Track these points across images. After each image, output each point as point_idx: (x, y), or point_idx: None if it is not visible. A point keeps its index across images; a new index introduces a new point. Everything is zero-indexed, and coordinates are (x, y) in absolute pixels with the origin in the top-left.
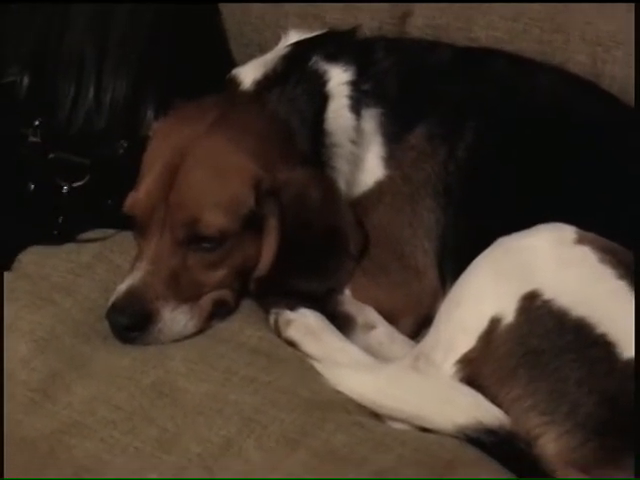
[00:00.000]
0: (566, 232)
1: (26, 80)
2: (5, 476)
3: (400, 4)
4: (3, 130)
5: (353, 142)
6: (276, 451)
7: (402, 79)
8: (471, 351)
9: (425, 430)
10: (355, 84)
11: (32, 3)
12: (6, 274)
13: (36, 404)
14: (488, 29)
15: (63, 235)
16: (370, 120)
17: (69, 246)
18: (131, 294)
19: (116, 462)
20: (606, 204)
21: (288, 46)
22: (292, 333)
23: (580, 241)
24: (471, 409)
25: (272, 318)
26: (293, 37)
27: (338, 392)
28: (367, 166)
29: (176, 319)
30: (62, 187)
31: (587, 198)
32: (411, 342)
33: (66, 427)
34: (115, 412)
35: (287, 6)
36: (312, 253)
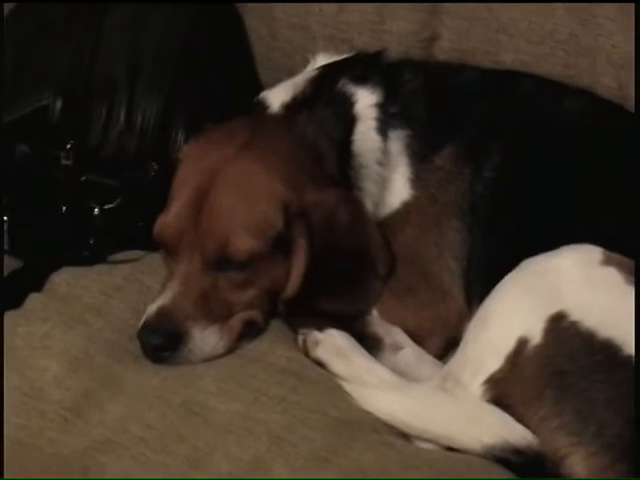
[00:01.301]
0: (593, 253)
1: (59, 104)
2: None
3: (427, 26)
4: (36, 153)
5: (380, 163)
6: (305, 469)
7: (429, 101)
8: (498, 372)
9: (453, 450)
10: (382, 106)
11: (63, 29)
12: (38, 295)
13: (69, 422)
14: (514, 52)
15: (94, 256)
16: (397, 142)
17: (100, 267)
18: (162, 314)
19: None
20: (634, 227)
21: (316, 69)
22: (320, 353)
23: (607, 262)
24: (499, 429)
25: (300, 338)
26: (321, 60)
27: (367, 412)
28: (394, 187)
29: (206, 339)
30: (93, 209)
31: (614, 220)
32: (439, 363)
33: (98, 445)
34: (147, 430)
35: (315, 30)
36: (340, 274)
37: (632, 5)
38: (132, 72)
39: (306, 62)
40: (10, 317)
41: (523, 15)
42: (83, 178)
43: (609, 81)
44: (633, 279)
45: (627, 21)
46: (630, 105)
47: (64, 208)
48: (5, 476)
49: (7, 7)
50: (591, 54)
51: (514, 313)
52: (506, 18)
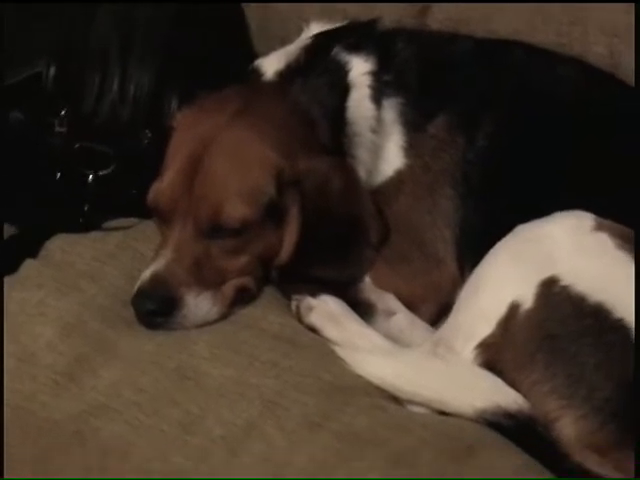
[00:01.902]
0: (584, 220)
1: (52, 71)
2: (29, 455)
3: None
4: (30, 120)
5: (374, 131)
6: (298, 433)
7: (422, 70)
8: (490, 336)
9: (445, 414)
10: (376, 74)
11: None
12: (32, 261)
13: (61, 387)
14: (507, 21)
15: (88, 223)
16: (390, 110)
17: (94, 234)
18: (156, 280)
19: (141, 443)
20: (625, 193)
21: (310, 37)
22: (313, 319)
23: (598, 228)
24: (490, 393)
25: (294, 305)
26: (314, 29)
27: (359, 376)
28: (387, 155)
29: (199, 305)
30: (87, 176)
31: (606, 187)
32: (431, 329)
33: (92, 409)
34: (140, 395)
35: None
36: (333, 241)
37: None
38: (125, 41)
39: (300, 31)
40: (5, 283)
41: None
42: (77, 145)
43: (601, 49)
44: (624, 245)
45: (629, 3)
46: (621, 73)
47: (58, 175)
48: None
49: None
50: (583, 23)
51: (506, 279)
52: None
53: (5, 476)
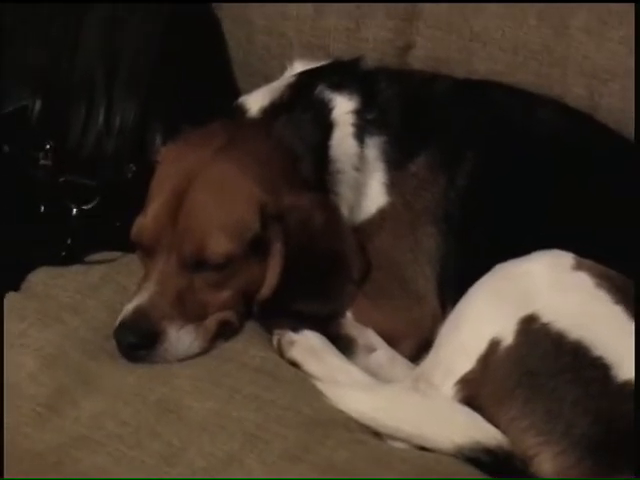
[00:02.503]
0: (564, 258)
1: (38, 104)
2: None
3: (402, 35)
4: (15, 153)
5: (356, 169)
6: (278, 466)
7: (404, 109)
8: (470, 372)
9: (424, 449)
10: (359, 113)
11: (42, 29)
12: (15, 294)
13: (43, 418)
14: (488, 61)
15: (71, 256)
16: (373, 148)
17: (77, 267)
18: (138, 313)
19: (122, 475)
20: (603, 232)
21: (294, 75)
22: (295, 354)
23: (577, 267)
24: (469, 429)
25: (275, 339)
26: (298, 67)
27: (340, 411)
28: (370, 192)
29: (182, 339)
30: (71, 209)
31: (584, 226)
32: (411, 365)
33: (73, 441)
34: (122, 427)
35: (292, 36)
36: (315, 277)
37: (604, 15)
38: (110, 74)
39: (283, 68)
40: None
41: (497, 25)
42: (62, 179)
43: (580, 91)
44: (603, 284)
45: (598, 32)
46: (600, 115)
47: (42, 208)
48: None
49: None
50: (563, 64)
51: (486, 315)
52: (480, 27)
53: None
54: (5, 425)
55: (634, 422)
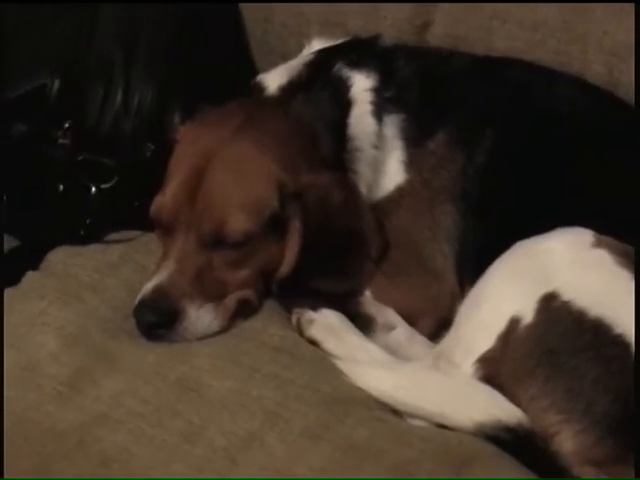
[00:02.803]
0: (584, 235)
1: (57, 84)
2: (33, 464)
3: (421, 12)
4: (34, 132)
5: (375, 147)
6: (298, 444)
7: (423, 86)
8: (490, 351)
9: (444, 427)
10: (377, 91)
11: (63, 8)
12: (34, 273)
13: (65, 397)
14: (507, 39)
15: (90, 235)
16: (391, 126)
17: (96, 246)
18: (158, 292)
19: (143, 453)
20: (622, 209)
21: (312, 54)
22: (314, 332)
23: (597, 244)
24: (489, 407)
25: (294, 318)
26: (316, 45)
27: (359, 389)
28: (388, 170)
29: (201, 317)
30: (90, 188)
31: (603, 203)
32: (430, 343)
33: (94, 419)
34: (142, 405)
35: (309, 14)
36: (333, 255)
37: None
38: (129, 53)
39: (301, 46)
40: (8, 294)
41: (516, 2)
42: (80, 158)
43: (599, 68)
44: (623, 261)
45: (619, 8)
46: (620, 91)
47: (61, 187)
48: (5, 451)
49: None
50: (582, 41)
51: (506, 294)
52: (499, 5)
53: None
54: (27, 404)
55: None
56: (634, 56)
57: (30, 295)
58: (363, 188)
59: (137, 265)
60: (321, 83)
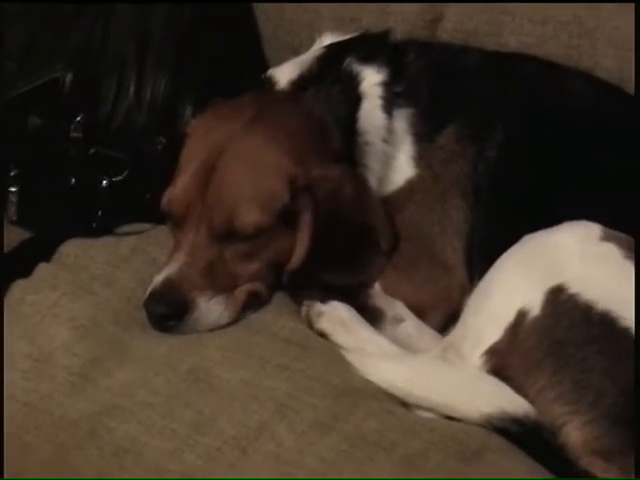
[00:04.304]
0: (592, 229)
1: (69, 77)
2: (46, 453)
3: (432, 7)
4: (47, 125)
5: (385, 141)
6: (308, 435)
7: (433, 81)
8: (498, 342)
9: (452, 419)
10: (388, 85)
11: (78, 4)
12: (46, 264)
13: (77, 387)
14: (517, 34)
15: (102, 228)
16: (401, 120)
17: (107, 239)
18: (168, 284)
19: (154, 443)
20: (632, 205)
21: (323, 48)
22: (323, 325)
23: (605, 238)
24: (497, 399)
25: (304, 310)
26: (327, 39)
27: (368, 381)
28: (398, 165)
29: (211, 309)
30: (102, 181)
31: (613, 199)
32: (439, 335)
33: (106, 409)
34: (153, 396)
35: (321, 8)
36: (344, 248)
37: None
38: (142, 47)
39: (312, 41)
40: (20, 286)
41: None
42: (92, 151)
43: (610, 63)
44: (631, 255)
45: (629, 2)
46: (630, 87)
47: (73, 180)
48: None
49: None
50: (593, 36)
51: (514, 286)
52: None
53: (25, 474)
54: (40, 394)
55: (635, 401)
56: (634, 52)
57: (42, 287)
58: (373, 182)
59: (148, 257)
60: (331, 77)
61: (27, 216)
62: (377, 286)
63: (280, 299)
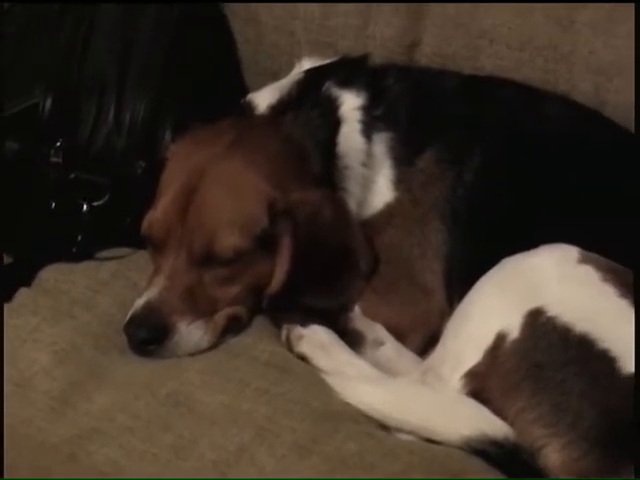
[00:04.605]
0: (569, 252)
1: (49, 102)
2: (28, 477)
3: (409, 31)
4: (26, 150)
5: (364, 165)
6: (288, 458)
7: (412, 105)
8: (478, 365)
9: (432, 442)
10: (366, 109)
11: (55, 26)
12: (27, 289)
13: (57, 412)
14: (494, 58)
15: (82, 253)
16: (380, 144)
17: (88, 264)
18: (148, 308)
19: (134, 467)
20: (608, 228)
21: (302, 72)
22: (303, 348)
23: (583, 261)
24: (476, 421)
25: (284, 333)
26: (306, 64)
27: (348, 404)
28: (377, 188)
29: (191, 333)
30: (82, 206)
31: (590, 222)
32: (418, 359)
33: (86, 433)
34: (133, 420)
35: (300, 34)
36: (324, 271)
37: (611, 10)
38: (121, 71)
39: (291, 66)
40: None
41: (503, 21)
42: (72, 175)
43: (586, 87)
44: (608, 277)
45: (605, 28)
46: (607, 111)
47: (53, 205)
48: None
49: None
50: (569, 60)
51: (493, 309)
52: (486, 24)
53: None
54: (20, 419)
55: (633, 416)
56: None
57: (22, 312)
58: (353, 205)
59: (129, 282)
60: (311, 102)
61: (8, 240)
62: (357, 309)
63: (260, 323)
